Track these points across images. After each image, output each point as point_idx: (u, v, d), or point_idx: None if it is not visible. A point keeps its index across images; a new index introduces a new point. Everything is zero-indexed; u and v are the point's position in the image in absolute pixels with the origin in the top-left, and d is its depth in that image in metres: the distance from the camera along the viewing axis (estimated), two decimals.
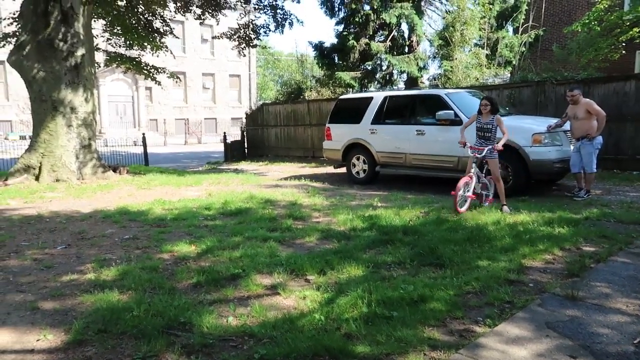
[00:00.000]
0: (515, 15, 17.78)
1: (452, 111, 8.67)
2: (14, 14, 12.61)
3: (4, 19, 14.45)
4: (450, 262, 4.26)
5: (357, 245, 4.88)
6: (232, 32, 15.49)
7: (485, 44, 16.83)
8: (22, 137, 26.92)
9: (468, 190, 6.62)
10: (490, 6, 16.80)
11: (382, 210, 6.70)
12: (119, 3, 13.65)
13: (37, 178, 9.93)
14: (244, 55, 16.95)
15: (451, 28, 16.59)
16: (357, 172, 10.50)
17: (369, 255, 4.58)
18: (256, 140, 18.86)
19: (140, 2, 13.35)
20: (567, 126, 8.01)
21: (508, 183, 8.05)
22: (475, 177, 6.74)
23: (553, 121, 8.18)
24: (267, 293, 3.70)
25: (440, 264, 4.26)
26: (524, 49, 17.53)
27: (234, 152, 18.79)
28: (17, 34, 11.68)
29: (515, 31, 18.68)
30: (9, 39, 13.34)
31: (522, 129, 8.12)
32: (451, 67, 15.89)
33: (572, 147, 7.95)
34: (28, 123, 12.05)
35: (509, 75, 17.83)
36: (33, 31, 10.07)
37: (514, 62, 17.61)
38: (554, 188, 9.01)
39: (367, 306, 3.27)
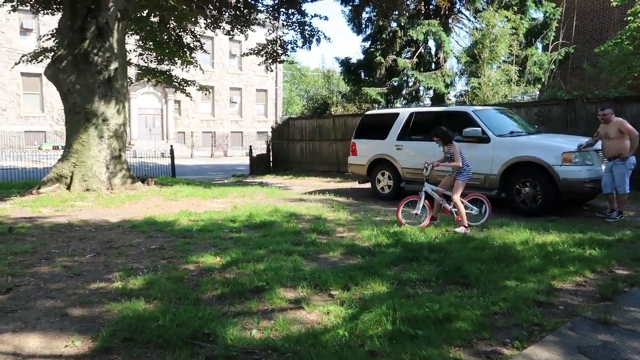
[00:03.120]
0: (545, 32, 17.58)
1: (479, 128, 8.58)
2: (52, 30, 13.11)
3: (43, 35, 15.04)
4: (476, 281, 4.18)
5: (382, 262, 4.84)
6: (260, 48, 15.76)
7: (514, 61, 16.66)
8: (55, 147, 27.74)
9: (417, 208, 6.75)
10: (521, 22, 16.66)
11: (407, 226, 6.64)
12: (152, 19, 14.06)
13: (68, 187, 10.19)
14: (271, 71, 17.21)
15: (480, 45, 16.48)
16: (382, 188, 10.45)
17: (393, 272, 4.53)
18: (281, 154, 18.99)
19: (172, 18, 13.71)
20: (598, 145, 7.83)
21: (537, 202, 7.91)
22: (424, 194, 6.85)
23: (584, 140, 8.01)
24: (290, 307, 3.69)
25: (466, 282, 4.19)
26: (553, 66, 17.29)
27: (259, 166, 18.94)
28: (55, 48, 12.12)
29: (545, 48, 18.45)
30: (46, 54, 13.84)
31: (551, 147, 7.98)
32: (479, 83, 15.76)
33: (603, 167, 7.76)
34: (61, 134, 12.47)
35: (538, 92, 17.57)
36: (70, 46, 10.44)
37: (543, 80, 17.37)
38: (585, 208, 8.79)
39: (392, 323, 3.23)
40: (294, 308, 3.66)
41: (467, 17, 20.07)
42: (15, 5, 13.47)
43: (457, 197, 6.68)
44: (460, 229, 6.44)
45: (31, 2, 13.60)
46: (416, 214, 6.78)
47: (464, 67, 18.69)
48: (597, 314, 3.43)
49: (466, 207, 6.81)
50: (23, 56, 14.48)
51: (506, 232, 6.15)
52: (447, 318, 3.33)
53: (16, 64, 15.49)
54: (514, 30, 16.56)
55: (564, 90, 13.21)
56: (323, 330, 3.20)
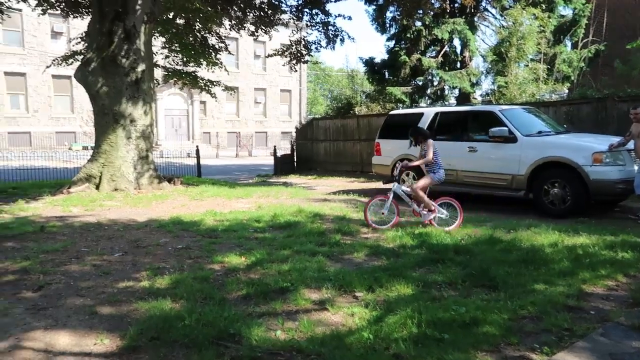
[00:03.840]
0: (574, 29, 17.17)
1: (506, 128, 8.43)
2: (81, 34, 13.42)
3: (73, 38, 15.42)
4: (504, 284, 4.11)
5: (407, 263, 4.80)
6: (284, 49, 15.83)
7: (542, 59, 16.31)
8: (85, 148, 28.42)
9: (385, 208, 6.74)
10: (549, 20, 16.30)
11: (432, 227, 6.57)
12: (178, 21, 14.26)
13: (97, 187, 10.42)
14: (295, 71, 17.26)
15: (506, 43, 16.18)
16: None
17: (418, 274, 4.49)
18: (305, 154, 19.03)
19: (198, 20, 13.89)
20: (630, 145, 7.59)
21: (566, 203, 7.73)
22: (393, 194, 6.82)
23: (615, 140, 7.78)
24: (315, 308, 3.69)
25: (493, 285, 4.12)
26: (583, 64, 16.87)
27: (283, 166, 19.03)
28: (84, 51, 12.41)
29: (574, 46, 18.03)
30: (76, 57, 14.18)
31: (581, 147, 7.79)
32: (505, 82, 15.48)
33: (636, 168, 7.52)
34: (90, 134, 12.79)
35: (567, 91, 17.17)
36: (98, 49, 10.67)
37: (572, 78, 16.96)
38: (616, 210, 8.55)
39: (417, 327, 3.20)
40: (318, 309, 3.66)
41: (493, 15, 19.77)
42: (45, 9, 13.84)
43: (418, 190, 6.69)
44: (428, 216, 6.63)
45: (61, 6, 13.96)
46: (383, 213, 6.77)
47: (490, 66, 18.40)
48: (630, 320, 3.33)
49: (439, 212, 6.75)
50: (54, 60, 14.88)
51: (534, 234, 6.02)
52: (474, 322, 3.28)
53: (47, 67, 15.92)
54: (541, 28, 16.20)
55: (594, 89, 12.87)
56: (347, 333, 3.19)
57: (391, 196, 6.81)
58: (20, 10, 23.34)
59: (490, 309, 3.50)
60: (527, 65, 16.57)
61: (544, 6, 16.89)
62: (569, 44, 18.40)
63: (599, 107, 10.82)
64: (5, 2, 13.12)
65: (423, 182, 6.82)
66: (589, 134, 9.30)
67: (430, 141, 6.81)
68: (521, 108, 9.79)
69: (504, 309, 3.52)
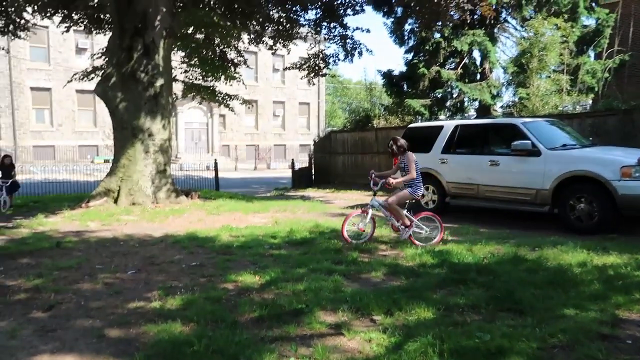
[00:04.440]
0: (597, 40, 16.78)
1: (529, 141, 8.17)
2: (102, 49, 13.62)
3: (95, 54, 15.68)
4: (530, 308, 3.88)
5: (427, 284, 4.60)
6: (303, 62, 15.81)
7: (565, 70, 15.95)
8: (107, 161, 28.78)
9: (360, 223, 6.51)
10: (571, 30, 15.96)
11: (453, 245, 6.35)
12: (197, 36, 14.36)
13: (115, 201, 10.45)
14: (314, 84, 17.23)
15: (528, 54, 15.88)
16: (426, 203, 10.13)
17: (439, 296, 4.29)
18: (323, 168, 18.90)
19: (217, 34, 13.95)
20: None
21: (593, 219, 7.42)
22: (371, 211, 6.57)
23: None
24: (330, 332, 3.52)
25: (519, 309, 3.89)
26: (607, 75, 16.44)
27: (301, 179, 18.93)
28: (104, 67, 12.57)
29: (598, 56, 17.60)
30: (97, 72, 14.38)
31: (608, 161, 7.49)
32: (527, 94, 15.15)
33: None
34: (112, 148, 12.92)
35: (591, 102, 16.74)
36: (118, 64, 10.78)
37: (596, 89, 16.54)
38: None
39: (439, 356, 3.01)
40: (334, 334, 3.49)
41: (513, 26, 19.46)
42: (69, 25, 14.10)
43: (393, 203, 6.40)
44: (405, 233, 6.34)
45: (84, 23, 14.20)
46: (362, 230, 6.54)
47: (511, 78, 18.08)
48: None
49: (417, 227, 6.50)
50: (74, 74, 15.10)
51: (561, 252, 5.74)
52: (500, 351, 3.07)
53: (69, 81, 16.15)
54: (564, 38, 15.87)
55: (620, 100, 12.49)
56: None
57: (370, 211, 6.56)
58: (46, 27, 23.92)
59: (517, 337, 3.28)
60: (550, 77, 16.21)
61: (566, 16, 16.56)
62: (592, 54, 18.00)
63: (625, 118, 10.46)
64: (32, 19, 13.42)
65: (399, 197, 6.49)
66: (616, 147, 8.98)
67: (412, 155, 6.51)
68: (544, 120, 9.52)
69: (532, 336, 3.30)
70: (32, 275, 5.08)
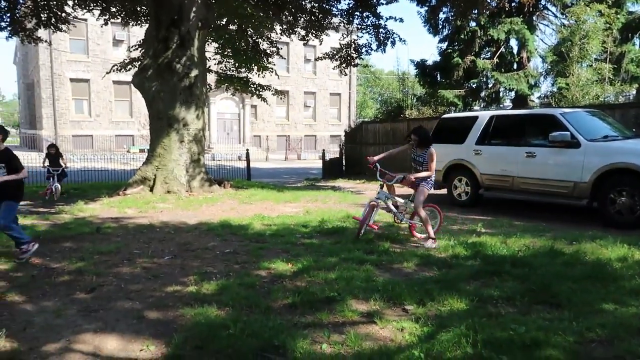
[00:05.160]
0: None
1: (568, 132, 7.94)
2: (139, 41, 13.92)
3: (132, 46, 16.04)
4: (567, 302, 3.80)
5: (460, 275, 4.56)
6: (334, 52, 15.75)
7: (608, 58, 15.37)
8: (142, 150, 29.50)
9: (370, 219, 6.17)
10: (616, 17, 15.35)
11: (487, 237, 6.26)
12: (231, 27, 14.49)
13: (151, 189, 10.72)
14: (345, 74, 17.14)
15: (568, 42, 15.37)
16: (459, 195, 10.00)
17: (472, 287, 4.24)
18: (354, 158, 18.85)
19: (250, 25, 14.05)
20: None
21: (635, 214, 7.18)
22: (380, 204, 6.27)
23: None
24: (362, 321, 3.54)
25: (555, 303, 3.82)
26: None
27: (331, 169, 18.94)
28: (141, 58, 12.85)
29: None
30: (134, 63, 14.72)
31: None
32: (566, 84, 14.69)
33: None
34: (147, 137, 13.24)
35: (636, 92, 16.10)
36: (154, 55, 10.99)
37: None
38: None
39: (472, 346, 2.98)
40: (365, 322, 3.51)
41: (553, 13, 18.87)
42: (108, 18, 14.46)
43: (421, 208, 6.07)
44: (429, 243, 5.88)
45: (122, 15, 14.54)
46: (377, 228, 6.36)
47: (549, 67, 17.57)
48: None
49: (418, 220, 6.26)
50: (113, 66, 15.50)
51: (600, 247, 5.58)
52: (535, 343, 3.03)
53: (107, 73, 16.59)
54: (607, 25, 15.29)
55: None
56: (397, 349, 3.02)
57: (379, 205, 6.31)
58: (85, 20, 24.53)
59: (553, 330, 3.22)
60: (591, 66, 15.67)
61: (610, 2, 15.93)
62: (637, 42, 17.28)
63: None
64: (72, 12, 13.82)
65: (421, 198, 6.14)
66: None
67: (434, 150, 6.15)
68: (584, 111, 9.22)
69: (569, 330, 3.23)
70: (74, 259, 5.29)
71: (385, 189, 6.41)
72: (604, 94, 14.40)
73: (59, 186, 10.91)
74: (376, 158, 6.42)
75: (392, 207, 6.40)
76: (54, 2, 13.16)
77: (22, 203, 10.00)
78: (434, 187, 10.66)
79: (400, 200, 6.45)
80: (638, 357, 2.89)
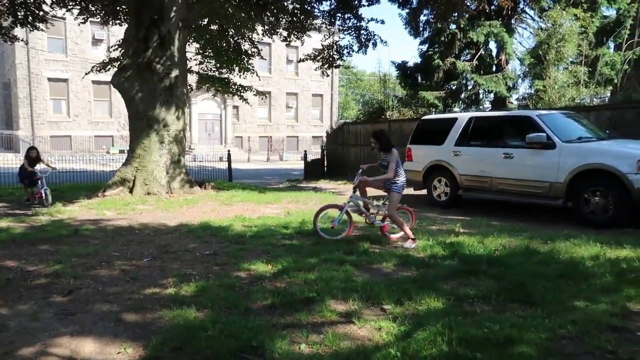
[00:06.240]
0: (618, 31, 16.49)
1: (544, 134, 8.12)
2: (119, 41, 13.76)
3: (112, 45, 15.85)
4: (541, 300, 3.90)
5: (437, 275, 4.63)
6: (317, 53, 15.80)
7: (583, 61, 15.72)
8: (122, 151, 29.14)
9: (336, 219, 6.30)
10: (591, 21, 15.70)
11: (465, 237, 6.36)
12: (212, 27, 14.43)
13: (131, 191, 10.61)
14: (327, 75, 17.20)
15: (545, 45, 15.67)
16: (439, 195, 10.13)
17: (450, 287, 4.32)
18: (336, 159, 18.93)
19: (231, 26, 14.00)
20: None
21: (608, 213, 7.36)
22: (348, 207, 6.36)
23: None
24: (341, 320, 3.58)
25: (529, 301, 3.91)
26: (627, 67, 16.17)
27: (313, 170, 18.98)
28: (120, 58, 12.71)
29: (618, 48, 17.31)
30: (114, 63, 14.55)
31: (625, 154, 7.41)
32: (544, 86, 14.98)
33: None
34: (127, 138, 13.11)
35: (610, 95, 16.49)
36: (134, 55, 10.89)
37: (615, 81, 16.28)
38: None
39: (448, 344, 3.04)
40: (344, 322, 3.55)
41: (531, 16, 19.23)
42: (87, 17, 14.27)
43: (393, 212, 6.12)
44: (408, 243, 5.96)
45: (101, 14, 14.35)
46: (333, 226, 6.30)
47: (527, 69, 17.88)
48: None
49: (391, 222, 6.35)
50: (93, 66, 15.30)
51: (574, 246, 5.72)
52: (509, 340, 3.10)
53: (86, 74, 16.38)
54: (583, 29, 15.63)
55: (639, 92, 12.30)
56: (374, 348, 3.07)
57: (346, 206, 6.33)
58: (64, 18, 24.16)
59: (526, 327, 3.30)
60: (567, 68, 16.01)
61: (585, 6, 16.30)
62: (612, 45, 17.70)
63: None
64: (50, 11, 13.60)
65: (394, 203, 6.17)
66: (633, 140, 8.86)
67: (396, 152, 6.15)
68: (560, 113, 9.43)
69: (542, 327, 3.32)
70: (51, 262, 5.22)
71: (358, 192, 6.48)
72: (579, 96, 14.71)
73: (49, 190, 10.20)
74: (366, 167, 6.71)
75: (363, 209, 6.43)
76: (32, 1, 12.94)
77: None
78: (414, 188, 10.82)
79: (374, 203, 6.50)
80: (607, 352, 2.99)
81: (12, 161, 15.90)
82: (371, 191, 6.89)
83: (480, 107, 19.23)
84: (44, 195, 10.02)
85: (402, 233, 6.28)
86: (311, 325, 3.48)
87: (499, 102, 18.00)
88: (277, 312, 3.72)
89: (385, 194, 6.52)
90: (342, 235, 6.35)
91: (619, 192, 7.24)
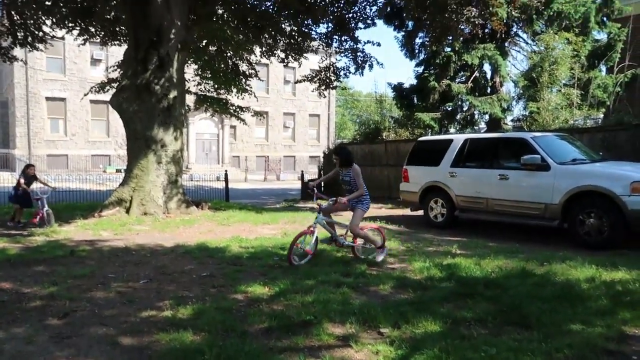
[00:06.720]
0: (609, 54, 16.80)
1: (538, 156, 8.21)
2: (118, 62, 13.92)
3: (111, 66, 16.03)
4: (537, 322, 3.91)
5: (434, 297, 4.64)
6: (314, 75, 15.99)
7: (576, 84, 15.97)
8: (118, 171, 29.15)
9: (306, 245, 6.13)
10: (583, 44, 16.01)
11: (461, 258, 6.37)
12: (210, 49, 14.62)
13: (127, 211, 10.60)
14: (324, 96, 17.37)
15: (538, 68, 15.94)
16: (435, 216, 10.17)
17: (446, 309, 4.32)
18: (333, 179, 18.96)
19: (229, 47, 14.21)
20: None
21: (603, 235, 7.41)
22: (318, 230, 6.24)
23: None
24: (338, 344, 3.58)
25: (525, 324, 3.92)
26: (619, 89, 16.42)
27: (310, 191, 18.99)
28: (119, 79, 12.83)
29: (610, 71, 17.61)
30: (112, 84, 14.69)
31: (618, 176, 7.49)
32: (537, 108, 15.18)
33: None
34: (124, 157, 13.18)
35: (603, 117, 16.71)
36: (133, 76, 11.01)
37: (608, 103, 16.52)
38: None
39: None
40: (341, 345, 3.55)
41: (524, 40, 19.58)
42: (87, 38, 14.44)
43: (357, 229, 6.11)
44: (380, 257, 6.03)
45: (101, 35, 14.54)
46: (308, 252, 6.15)
47: (521, 91, 18.13)
48: None
49: (364, 242, 6.40)
50: (92, 87, 15.44)
51: (569, 268, 5.75)
52: None
53: (85, 95, 16.52)
54: (575, 53, 15.92)
55: (631, 115, 12.47)
56: None
57: (316, 230, 6.20)
58: (62, 38, 24.42)
59: (523, 351, 3.31)
60: (560, 91, 16.23)
61: (577, 30, 16.63)
62: (604, 68, 18.01)
63: (637, 133, 10.43)
64: (50, 32, 13.77)
65: (356, 220, 6.13)
66: (626, 162, 8.97)
67: (358, 168, 6.15)
68: (554, 135, 9.55)
69: (538, 351, 3.33)
70: (47, 283, 5.20)
71: (322, 214, 6.37)
72: (572, 118, 14.90)
73: (50, 211, 9.78)
74: (314, 183, 6.67)
75: (329, 229, 6.40)
76: (32, 22, 13.11)
77: None
78: (411, 209, 10.84)
79: (342, 223, 6.48)
80: None
81: (8, 180, 15.87)
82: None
83: (476, 128, 19.43)
84: (45, 216, 9.63)
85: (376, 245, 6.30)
86: (308, 349, 3.48)
87: (494, 123, 18.20)
88: (274, 336, 3.72)
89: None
90: (307, 259, 6.18)
91: (614, 214, 7.30)
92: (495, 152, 9.43)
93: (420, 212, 10.79)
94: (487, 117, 19.04)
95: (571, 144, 9.21)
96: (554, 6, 16.45)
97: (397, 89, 19.81)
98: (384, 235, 6.72)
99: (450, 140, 10.15)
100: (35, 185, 10.36)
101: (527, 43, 19.41)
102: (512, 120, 19.35)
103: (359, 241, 6.45)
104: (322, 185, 6.35)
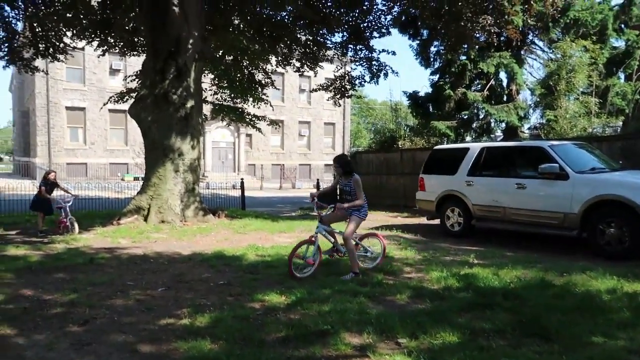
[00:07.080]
0: (628, 61, 16.60)
1: (556, 164, 8.12)
2: (136, 72, 14.16)
3: (129, 75, 16.32)
4: (557, 334, 3.85)
5: (452, 307, 4.60)
6: (329, 84, 16.07)
7: (594, 92, 15.79)
8: (136, 179, 29.53)
9: (309, 255, 5.99)
10: (600, 52, 15.85)
11: (479, 268, 6.32)
12: (227, 59, 14.80)
13: (145, 219, 10.72)
14: (339, 105, 17.44)
15: (555, 76, 15.81)
16: (452, 225, 10.10)
17: (464, 320, 4.29)
18: None
19: (246, 57, 14.36)
20: None
21: (624, 245, 7.28)
22: (319, 239, 6.12)
23: None
24: (355, 354, 3.57)
25: (545, 335, 3.86)
26: (638, 96, 16.20)
27: (326, 199, 19.00)
28: (138, 89, 13.05)
29: (628, 78, 17.40)
30: (130, 94, 14.94)
31: (639, 185, 7.36)
32: (555, 116, 15.04)
33: None
34: (142, 166, 13.39)
35: (622, 125, 16.48)
36: (151, 86, 11.19)
37: (627, 111, 16.30)
38: None
39: None
40: (359, 356, 3.54)
41: (540, 47, 19.46)
42: (106, 50, 14.74)
43: (349, 237, 5.96)
44: (348, 276, 5.83)
45: (120, 46, 14.82)
46: (310, 262, 6.00)
47: (538, 99, 18.00)
48: None
49: (365, 251, 6.35)
50: (111, 97, 15.72)
51: (589, 278, 5.65)
52: None
53: (104, 104, 16.80)
54: (593, 60, 15.77)
55: None
56: None
57: (317, 240, 6.09)
58: (82, 49, 24.95)
59: None
60: (578, 99, 16.07)
61: (594, 38, 16.47)
62: (622, 76, 17.78)
63: None
64: (71, 43, 14.08)
65: (352, 228, 6.01)
66: None
67: (358, 178, 6.05)
68: (572, 143, 9.43)
69: None
70: (67, 290, 5.28)
71: (323, 223, 6.30)
72: (591, 126, 14.72)
73: (74, 219, 9.77)
74: (316, 192, 6.71)
75: (330, 237, 6.34)
76: (53, 33, 13.42)
77: (12, 233, 10.05)
78: (427, 218, 10.78)
79: (339, 231, 6.41)
80: None
81: (29, 188, 16.19)
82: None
83: (492, 136, 19.29)
84: (69, 224, 9.66)
85: (377, 262, 6.35)
86: (325, 359, 3.47)
87: (511, 131, 18.06)
88: (291, 345, 3.72)
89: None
90: (310, 272, 6.04)
91: (635, 224, 7.17)
92: (512, 161, 9.36)
93: (437, 221, 10.72)
94: (503, 125, 18.91)
95: (590, 152, 9.09)
96: (570, 14, 16.34)
97: (413, 97, 19.80)
98: (385, 245, 6.68)
99: (467, 149, 10.09)
100: (56, 193, 10.49)
101: (543, 51, 19.30)
102: (529, 129, 19.18)
103: (361, 251, 6.42)
104: (325, 194, 6.30)
